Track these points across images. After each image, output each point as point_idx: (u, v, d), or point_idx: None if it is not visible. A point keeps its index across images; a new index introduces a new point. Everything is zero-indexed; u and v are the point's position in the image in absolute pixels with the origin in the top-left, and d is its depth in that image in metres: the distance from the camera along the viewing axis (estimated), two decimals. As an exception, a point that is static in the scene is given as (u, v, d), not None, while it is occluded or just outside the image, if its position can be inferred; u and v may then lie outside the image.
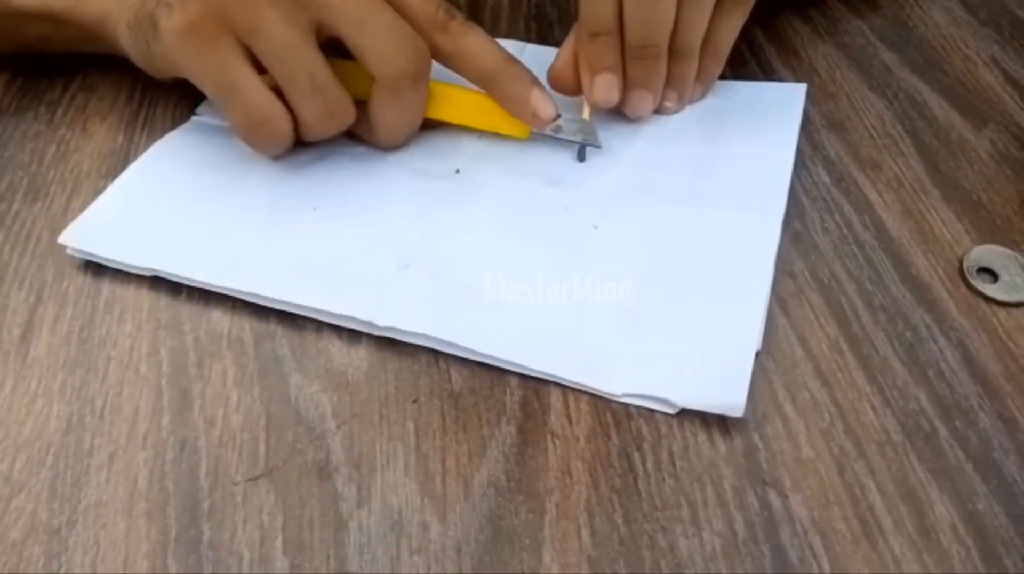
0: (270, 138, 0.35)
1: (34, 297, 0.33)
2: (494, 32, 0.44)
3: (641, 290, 0.32)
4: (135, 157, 0.39)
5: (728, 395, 0.28)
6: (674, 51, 0.36)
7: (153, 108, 0.41)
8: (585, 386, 0.29)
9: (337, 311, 0.31)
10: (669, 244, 0.34)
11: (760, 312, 0.31)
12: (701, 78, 0.38)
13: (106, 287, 0.33)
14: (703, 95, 0.39)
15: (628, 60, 0.36)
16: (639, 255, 0.33)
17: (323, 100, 0.33)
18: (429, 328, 0.30)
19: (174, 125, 0.40)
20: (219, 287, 0.32)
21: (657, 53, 0.35)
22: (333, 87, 0.33)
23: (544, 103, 0.36)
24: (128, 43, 0.36)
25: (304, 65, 0.32)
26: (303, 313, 0.32)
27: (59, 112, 0.41)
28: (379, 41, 0.33)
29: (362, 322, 0.31)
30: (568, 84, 0.37)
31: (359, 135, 0.37)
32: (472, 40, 0.35)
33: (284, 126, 0.34)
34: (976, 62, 0.42)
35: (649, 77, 0.36)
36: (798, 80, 0.41)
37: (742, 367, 0.29)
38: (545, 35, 0.45)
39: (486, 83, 0.36)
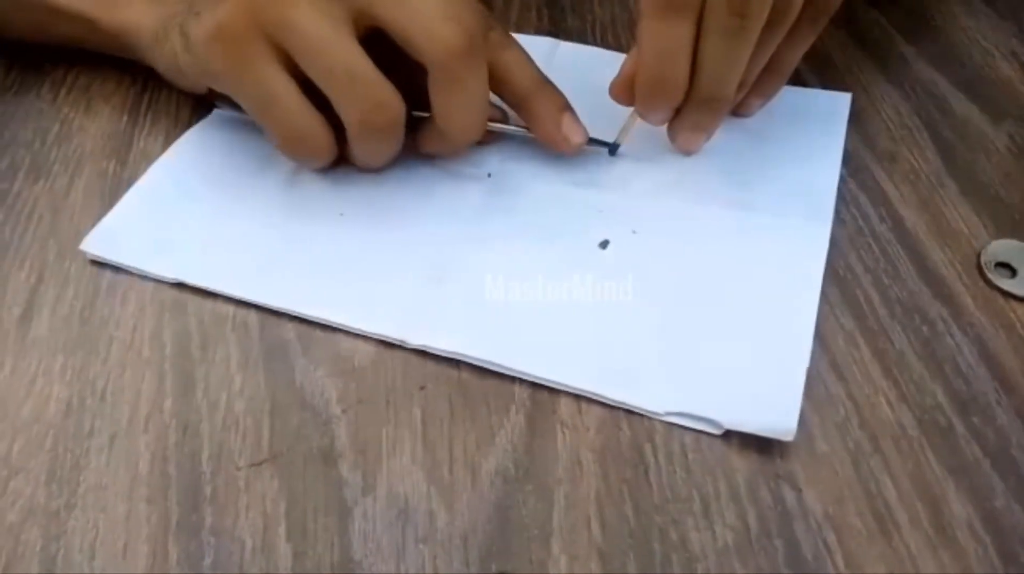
0: (310, 153, 0.33)
1: (35, 277, 0.33)
2: (506, 18, 0.44)
3: (684, 300, 0.31)
4: (139, 139, 0.38)
5: (779, 419, 0.27)
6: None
7: (158, 91, 0.40)
8: (625, 404, 0.28)
9: (369, 330, 0.30)
10: (712, 250, 0.33)
11: (811, 328, 0.30)
12: (762, 94, 0.37)
13: (109, 267, 0.33)
14: (761, 107, 0.37)
15: (691, 104, 0.33)
16: (681, 263, 0.32)
17: (365, 91, 0.31)
18: (463, 346, 0.29)
19: (178, 108, 0.39)
20: (246, 299, 0.31)
21: (726, 104, 0.33)
22: (374, 77, 0.30)
23: (575, 129, 0.34)
24: (155, 56, 0.36)
25: (340, 57, 0.30)
26: (331, 324, 0.31)
27: (63, 91, 0.40)
28: (419, 20, 0.30)
29: (394, 339, 0.30)
30: (629, 101, 0.34)
31: (430, 150, 0.35)
32: (510, 56, 0.33)
33: (323, 140, 0.32)
34: (995, 55, 0.41)
35: (710, 123, 0.34)
36: (814, 72, 0.40)
37: (793, 388, 0.28)
38: (557, 22, 0.44)
39: (518, 103, 0.34)
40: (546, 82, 0.34)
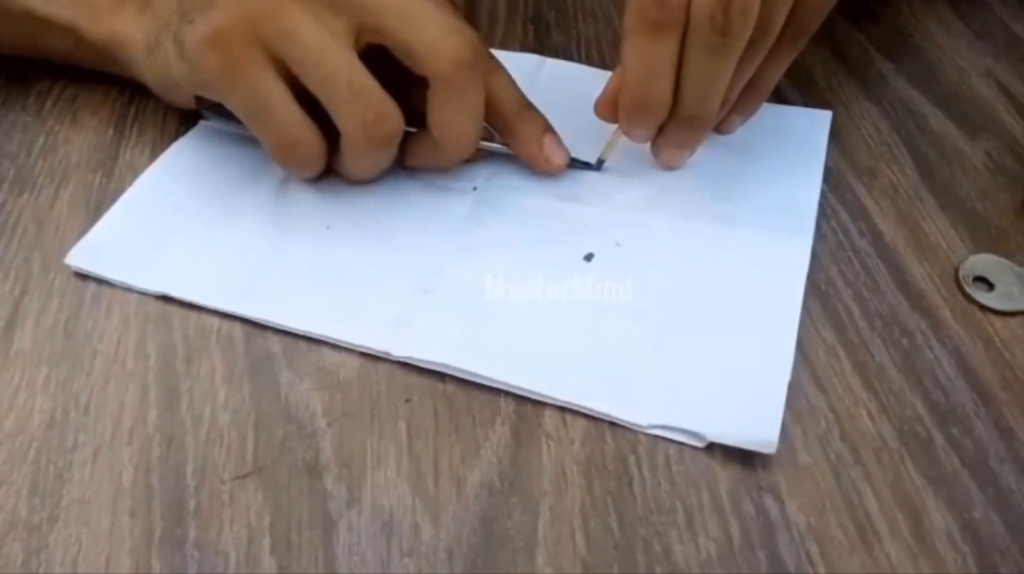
0: (302, 161, 0.33)
1: (19, 289, 0.33)
2: (491, 35, 0.45)
3: (666, 313, 0.31)
4: (125, 151, 0.38)
5: (761, 431, 0.27)
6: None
7: (145, 103, 0.40)
8: (609, 416, 0.28)
9: (354, 342, 0.30)
10: (695, 264, 0.33)
11: (792, 341, 0.30)
12: (743, 111, 0.37)
13: (93, 280, 0.33)
14: (742, 124, 0.38)
15: (674, 121, 0.33)
16: (664, 276, 0.32)
17: (366, 104, 0.31)
18: (448, 358, 0.30)
19: (165, 120, 0.39)
20: (231, 312, 0.31)
21: (709, 122, 0.33)
22: (375, 89, 0.31)
23: (556, 150, 0.35)
24: (146, 68, 0.36)
25: (342, 69, 0.30)
26: (316, 337, 0.31)
27: (48, 103, 0.40)
28: (426, 33, 0.30)
29: (379, 351, 0.30)
30: (614, 118, 0.35)
31: (421, 164, 0.36)
32: (497, 78, 0.34)
33: (316, 149, 0.33)
34: (971, 73, 0.42)
35: (693, 139, 0.35)
36: (796, 89, 0.41)
37: (775, 401, 0.28)
38: (542, 38, 0.45)
39: (502, 125, 0.35)
40: (529, 105, 0.35)
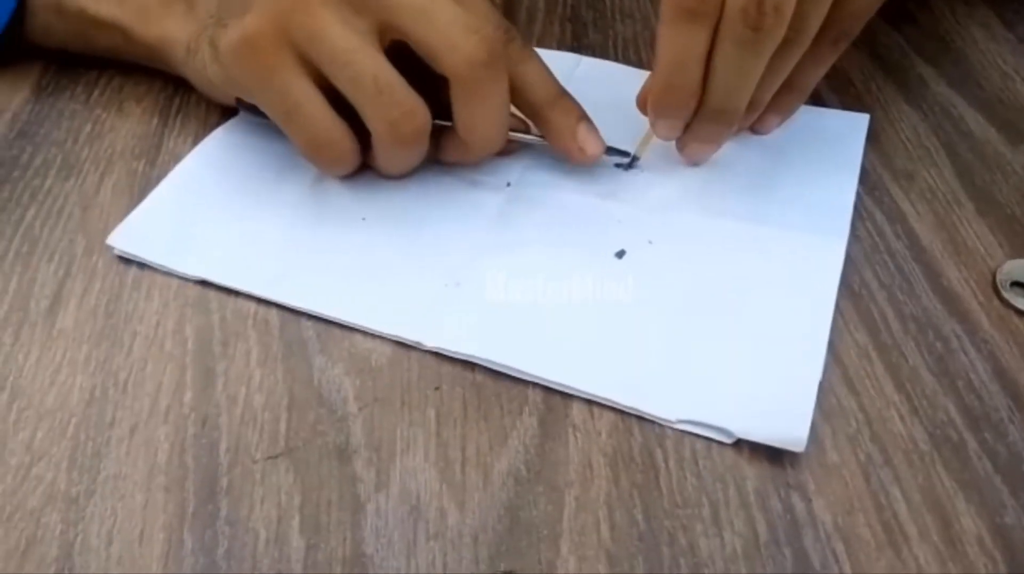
0: (333, 160, 0.34)
1: (63, 271, 0.33)
2: (529, 33, 0.45)
3: (698, 310, 0.31)
4: (168, 140, 0.39)
5: (790, 429, 0.27)
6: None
7: (188, 94, 0.41)
8: (637, 410, 0.28)
9: (386, 331, 0.31)
10: (728, 262, 0.33)
11: (824, 341, 0.30)
12: (781, 112, 0.37)
13: (134, 263, 0.34)
14: (779, 125, 0.38)
15: (701, 115, 0.33)
16: (696, 273, 0.33)
17: (392, 101, 0.31)
18: (478, 350, 0.30)
19: (208, 111, 0.40)
20: (267, 298, 0.32)
21: (735, 118, 0.33)
22: (400, 86, 0.31)
23: (591, 139, 0.35)
24: (187, 68, 0.37)
25: (368, 68, 0.31)
26: (350, 325, 0.31)
27: (96, 92, 0.42)
28: (442, 32, 0.31)
29: (410, 341, 0.31)
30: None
31: (452, 159, 0.36)
32: (529, 68, 0.34)
33: (347, 147, 0.33)
34: (1015, 79, 0.42)
35: (718, 135, 0.35)
36: (834, 91, 0.41)
37: (805, 399, 0.28)
38: (580, 36, 0.45)
39: (535, 114, 0.35)
40: (563, 94, 0.35)
